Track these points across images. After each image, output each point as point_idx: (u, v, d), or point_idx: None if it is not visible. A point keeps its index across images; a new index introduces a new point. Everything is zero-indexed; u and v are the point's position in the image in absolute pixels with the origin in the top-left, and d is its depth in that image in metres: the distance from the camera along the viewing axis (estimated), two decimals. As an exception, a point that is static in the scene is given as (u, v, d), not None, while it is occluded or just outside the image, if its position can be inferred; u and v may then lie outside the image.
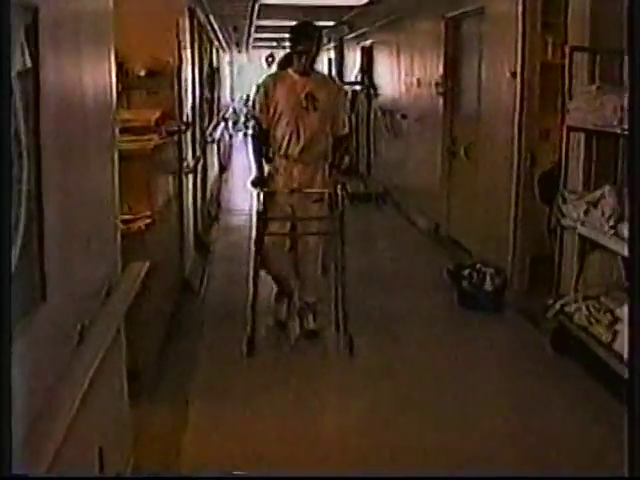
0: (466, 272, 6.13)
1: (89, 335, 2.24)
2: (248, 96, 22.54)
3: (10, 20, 1.43)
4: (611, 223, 4.42)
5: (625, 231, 4.28)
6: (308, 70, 5.28)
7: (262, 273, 5.44)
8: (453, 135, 8.28)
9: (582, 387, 4.57)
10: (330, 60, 16.97)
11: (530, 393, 4.62)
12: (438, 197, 8.61)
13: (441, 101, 8.41)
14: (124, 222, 4.12)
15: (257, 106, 5.36)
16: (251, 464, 3.66)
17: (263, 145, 5.39)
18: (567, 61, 4.96)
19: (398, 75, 10.73)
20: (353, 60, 14.40)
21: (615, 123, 4.23)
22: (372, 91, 12.53)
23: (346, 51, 15.36)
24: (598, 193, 4.61)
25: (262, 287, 5.41)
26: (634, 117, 2.11)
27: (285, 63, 5.49)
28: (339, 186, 5.33)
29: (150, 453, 3.56)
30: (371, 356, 5.12)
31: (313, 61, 5.33)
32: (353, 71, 14.17)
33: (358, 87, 13.19)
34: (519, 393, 4.68)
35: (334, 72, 15.83)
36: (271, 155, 5.38)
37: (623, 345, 4.28)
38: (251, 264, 5.43)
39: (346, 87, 13.68)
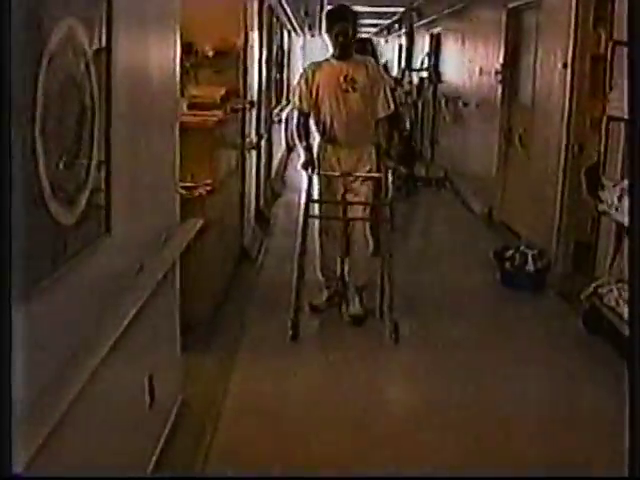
0: (509, 253, 6.41)
1: (147, 269, 2.65)
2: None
3: (11, 20, 1.47)
4: (640, 209, 4.65)
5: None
6: (346, 54, 5.37)
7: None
8: (510, 123, 8.52)
9: (608, 364, 4.77)
10: (400, 46, 17.20)
11: (559, 367, 4.88)
12: (493, 182, 8.87)
13: (500, 89, 8.65)
14: (186, 188, 4.54)
15: (297, 96, 5.47)
16: (288, 409, 4.09)
17: (308, 130, 5.50)
18: (609, 54, 5.20)
19: (462, 63, 10.98)
20: (422, 47, 14.63)
21: (646, 114, 4.47)
22: (436, 78, 12.76)
23: (416, 38, 15.59)
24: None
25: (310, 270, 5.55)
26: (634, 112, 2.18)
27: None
28: (389, 171, 5.39)
29: (199, 392, 4.00)
30: (415, 330, 5.31)
31: (350, 43, 5.37)
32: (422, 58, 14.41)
33: (425, 74, 13.43)
34: (549, 367, 4.93)
35: (404, 58, 16.09)
36: (318, 140, 5.51)
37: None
38: (297, 247, 5.41)
39: (414, 74, 14.02)
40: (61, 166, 1.81)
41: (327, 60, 5.52)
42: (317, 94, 5.38)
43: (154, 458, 3.10)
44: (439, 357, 4.90)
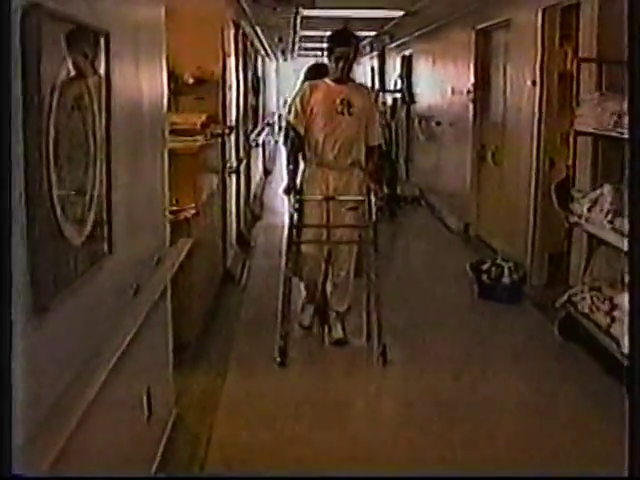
0: (485, 266, 6.61)
1: (142, 291, 2.80)
2: (285, 100, 23.32)
3: (10, 19, 1.53)
4: (609, 218, 4.87)
5: (621, 225, 4.74)
6: (344, 78, 5.37)
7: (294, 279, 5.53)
8: (482, 140, 8.76)
9: (582, 367, 5.03)
10: (373, 69, 17.47)
11: (537, 372, 5.08)
12: (468, 199, 9.09)
13: (471, 108, 8.89)
14: (172, 212, 4.68)
15: (292, 113, 5.45)
16: (279, 420, 4.23)
17: (297, 152, 5.47)
18: (575, 71, 5.43)
19: (434, 83, 11.24)
20: (394, 69, 14.91)
21: (611, 127, 4.69)
22: (409, 99, 13.01)
23: (388, 60, 15.87)
24: (598, 191, 5.07)
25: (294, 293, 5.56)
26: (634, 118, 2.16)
27: (314, 73, 5.89)
28: (372, 193, 5.34)
29: (192, 407, 4.14)
30: (399, 345, 5.35)
31: (350, 68, 5.41)
32: (394, 80, 14.68)
33: (399, 95, 13.68)
34: (527, 372, 5.11)
35: (376, 80, 16.35)
36: (306, 162, 5.46)
37: (619, 330, 4.73)
38: (282, 273, 5.49)
39: (387, 95, 14.27)
40: (70, 189, 1.96)
41: (324, 81, 5.47)
42: (311, 114, 5.36)
43: (154, 467, 3.23)
44: (424, 369, 5.04)
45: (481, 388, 4.79)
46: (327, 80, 5.46)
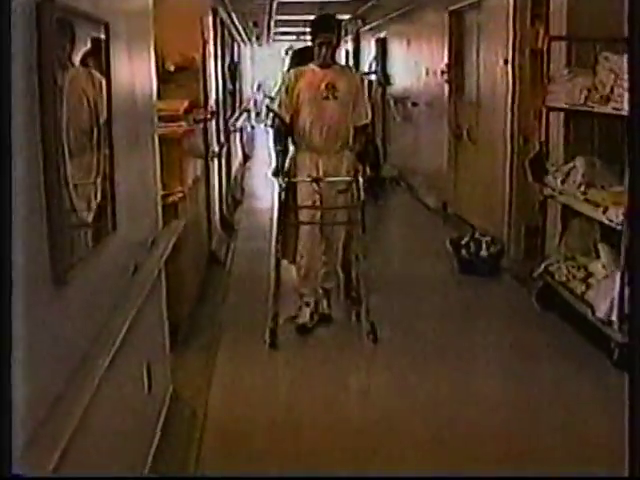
0: (464, 242, 6.81)
1: (141, 270, 2.95)
2: (260, 85, 23.51)
3: (10, 20, 1.55)
4: (582, 190, 5.06)
5: (593, 196, 4.94)
6: (329, 62, 5.42)
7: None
8: (458, 120, 8.93)
9: (559, 333, 5.27)
10: (347, 52, 17.60)
11: (518, 340, 5.30)
12: (445, 178, 9.27)
13: (446, 88, 9.06)
14: (161, 196, 4.83)
15: (277, 102, 5.54)
16: (270, 396, 4.43)
17: (283, 136, 5.52)
18: (546, 49, 5.61)
19: (409, 65, 11.39)
20: (369, 51, 15.05)
21: (581, 102, 4.88)
22: (385, 81, 13.18)
23: (362, 43, 16.01)
24: (571, 164, 5.26)
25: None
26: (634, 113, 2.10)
27: (300, 57, 5.97)
28: (359, 174, 5.41)
29: (186, 384, 4.30)
30: (387, 321, 5.43)
31: (334, 52, 5.45)
32: (369, 62, 14.84)
33: (374, 77, 13.84)
34: (509, 340, 5.33)
35: (351, 63, 16.48)
36: (296, 147, 5.50)
37: (593, 296, 4.94)
38: (272, 253, 5.54)
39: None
40: (80, 169, 2.11)
41: (309, 67, 5.53)
42: (297, 100, 5.43)
43: (157, 435, 3.39)
44: (412, 344, 5.19)
45: (467, 358, 4.99)
46: (312, 65, 5.52)
